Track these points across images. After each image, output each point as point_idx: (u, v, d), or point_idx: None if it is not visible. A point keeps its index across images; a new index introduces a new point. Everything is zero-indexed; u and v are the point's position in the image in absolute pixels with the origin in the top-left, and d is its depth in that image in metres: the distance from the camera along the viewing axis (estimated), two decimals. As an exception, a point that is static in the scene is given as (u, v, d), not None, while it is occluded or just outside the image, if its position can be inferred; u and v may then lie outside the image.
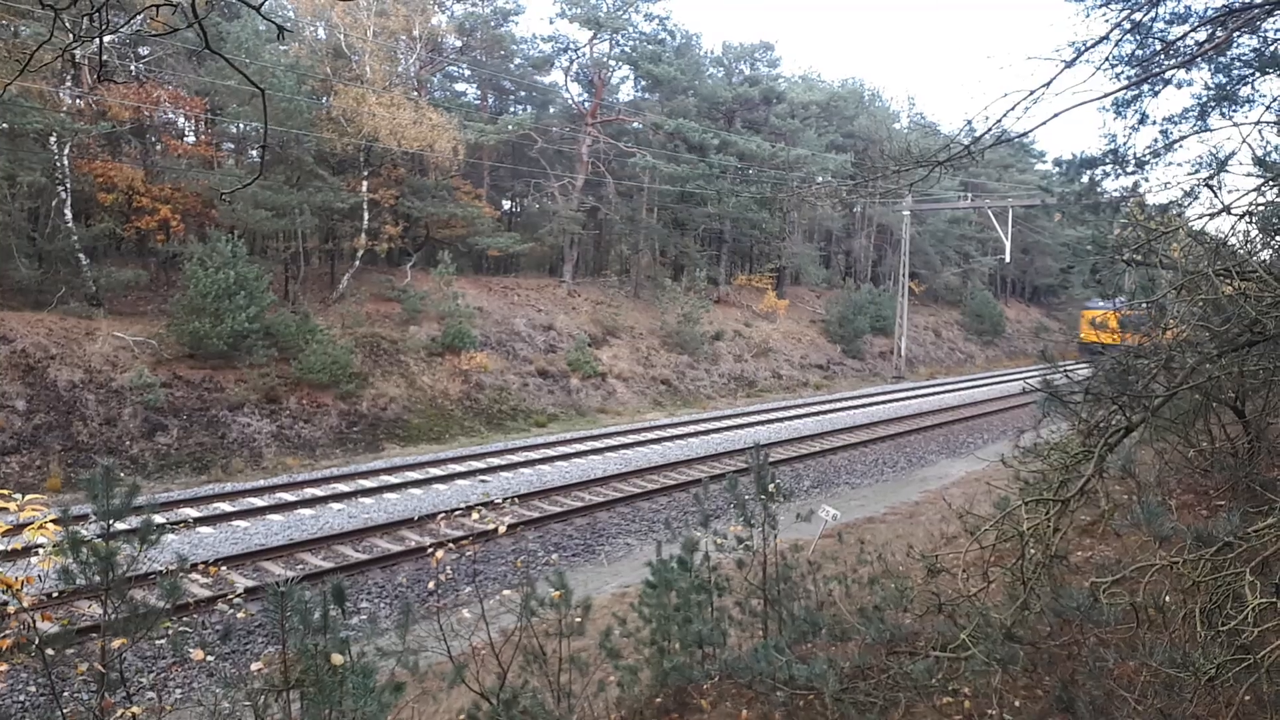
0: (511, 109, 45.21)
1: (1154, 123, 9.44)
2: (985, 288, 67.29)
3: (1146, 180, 9.41)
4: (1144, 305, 7.26)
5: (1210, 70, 9.43)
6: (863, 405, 33.61)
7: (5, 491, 4.24)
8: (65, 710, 4.58)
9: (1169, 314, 6.85)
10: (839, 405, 33.60)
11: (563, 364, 31.70)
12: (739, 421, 28.17)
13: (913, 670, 5.59)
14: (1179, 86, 8.60)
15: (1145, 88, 8.57)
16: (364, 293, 30.03)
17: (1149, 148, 9.26)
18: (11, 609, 4.16)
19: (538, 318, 34.43)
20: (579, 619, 6.08)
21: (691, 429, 26.15)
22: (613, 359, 34.01)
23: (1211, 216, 6.85)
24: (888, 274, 58.13)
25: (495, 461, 20.68)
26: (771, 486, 7.27)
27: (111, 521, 4.38)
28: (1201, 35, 7.69)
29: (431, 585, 11.60)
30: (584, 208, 40.76)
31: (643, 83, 46.10)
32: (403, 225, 33.03)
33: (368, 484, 18.06)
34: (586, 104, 42.04)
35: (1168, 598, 5.80)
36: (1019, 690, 6.06)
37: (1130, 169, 9.30)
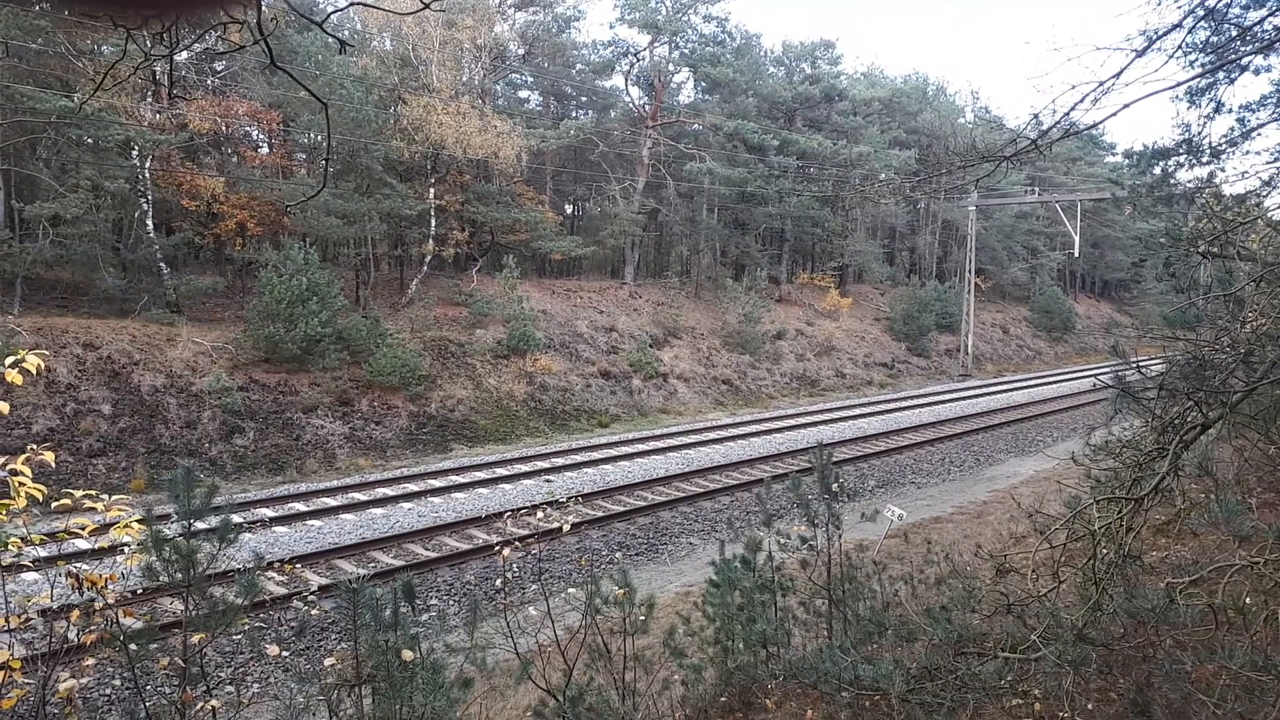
0: (573, 114, 45.53)
1: (1230, 111, 9.12)
2: (1054, 283, 65.72)
3: (1223, 170, 9.09)
4: (1221, 298, 7.05)
5: (1290, 55, 9.09)
6: (928, 404, 33.09)
7: (93, 492, 4.41)
8: (148, 703, 4.75)
9: (1248, 307, 6.65)
10: (904, 404, 33.14)
11: (624, 365, 31.86)
12: (801, 421, 27.94)
13: (981, 671, 5.52)
14: (1256, 73, 8.28)
15: (1221, 75, 8.28)
16: (432, 297, 30.55)
17: (1225, 136, 8.94)
18: (98, 605, 4.32)
19: (600, 319, 34.63)
20: (643, 617, 6.12)
21: (753, 428, 26.03)
22: (674, 359, 34.05)
23: (1292, 206, 6.63)
24: (953, 270, 57.15)
25: (559, 461, 20.87)
26: (835, 486, 7.23)
27: (192, 521, 4.53)
28: (1280, 19, 7.42)
29: (499, 583, 11.75)
30: (644, 210, 40.89)
31: (703, 84, 46.06)
32: (469, 231, 33.55)
33: (437, 484, 18.37)
34: (646, 107, 42.14)
35: (1248, 599, 5.63)
36: (1091, 693, 5.93)
37: (1205, 159, 9.00)
